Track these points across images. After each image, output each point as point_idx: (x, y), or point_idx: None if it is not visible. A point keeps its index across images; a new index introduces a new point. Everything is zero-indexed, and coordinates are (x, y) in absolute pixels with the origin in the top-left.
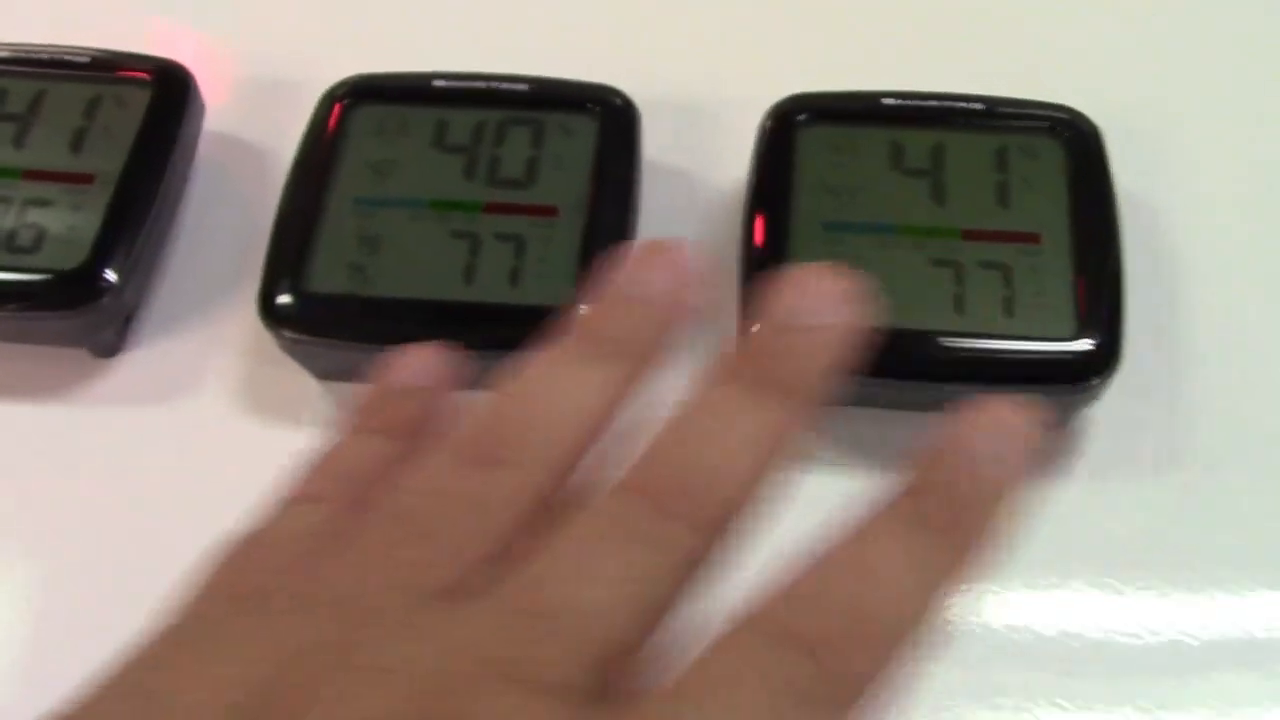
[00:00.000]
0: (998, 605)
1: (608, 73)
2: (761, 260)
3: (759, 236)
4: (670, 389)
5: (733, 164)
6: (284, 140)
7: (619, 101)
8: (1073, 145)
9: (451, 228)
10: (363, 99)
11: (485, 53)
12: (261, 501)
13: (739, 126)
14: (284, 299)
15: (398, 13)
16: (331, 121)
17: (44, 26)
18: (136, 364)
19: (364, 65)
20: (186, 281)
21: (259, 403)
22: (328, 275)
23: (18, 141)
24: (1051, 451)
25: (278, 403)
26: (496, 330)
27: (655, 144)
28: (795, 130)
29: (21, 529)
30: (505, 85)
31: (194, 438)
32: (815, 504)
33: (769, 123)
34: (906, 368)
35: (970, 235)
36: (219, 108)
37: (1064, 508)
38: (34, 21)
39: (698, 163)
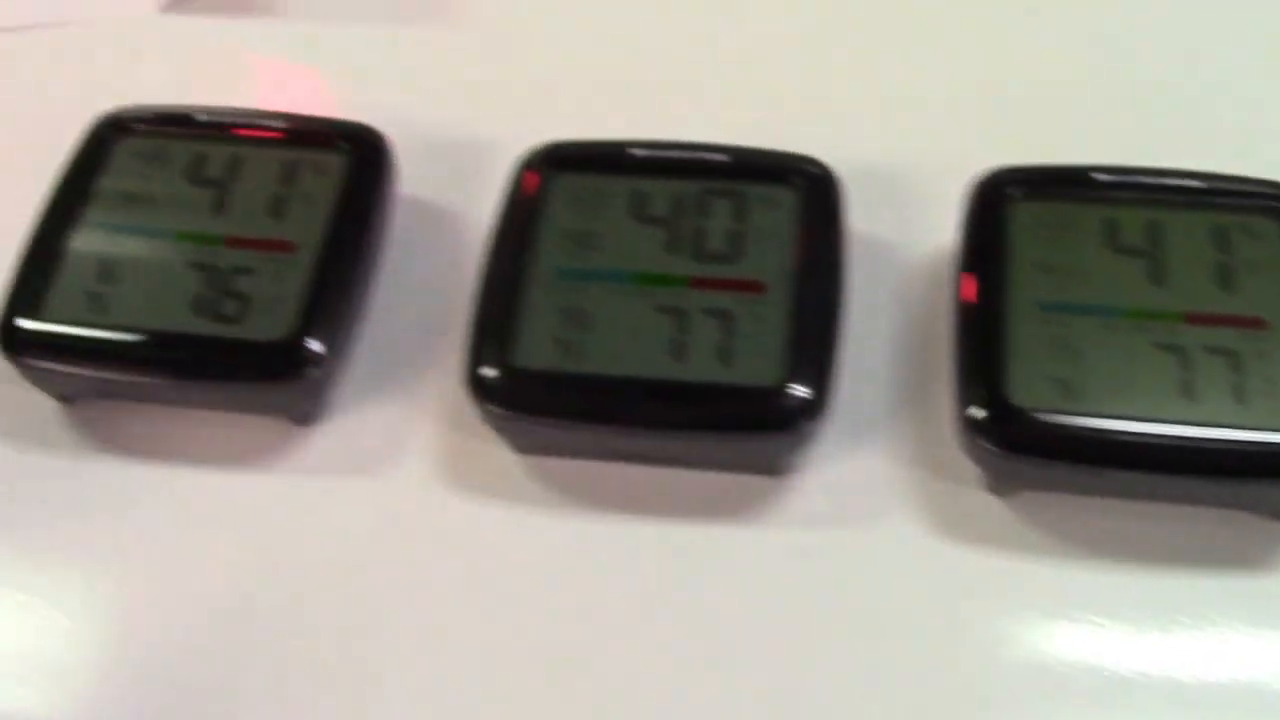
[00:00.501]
0: None
1: (800, 140)
2: (976, 340)
3: (972, 316)
4: None
5: (933, 233)
6: (472, 204)
7: (820, 172)
8: None
9: (658, 303)
10: (559, 167)
11: (674, 118)
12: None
13: (937, 194)
14: (490, 373)
15: (581, 75)
16: (528, 190)
17: (238, 92)
18: (333, 432)
19: (546, 126)
20: (381, 348)
21: (457, 474)
22: (534, 350)
23: (217, 207)
24: None
25: (475, 475)
26: (708, 410)
27: (853, 212)
28: (1005, 204)
29: (225, 599)
30: (704, 155)
31: (392, 508)
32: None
33: (977, 195)
34: (1132, 458)
35: (1194, 319)
36: (407, 172)
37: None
38: (227, 88)
39: (897, 232)
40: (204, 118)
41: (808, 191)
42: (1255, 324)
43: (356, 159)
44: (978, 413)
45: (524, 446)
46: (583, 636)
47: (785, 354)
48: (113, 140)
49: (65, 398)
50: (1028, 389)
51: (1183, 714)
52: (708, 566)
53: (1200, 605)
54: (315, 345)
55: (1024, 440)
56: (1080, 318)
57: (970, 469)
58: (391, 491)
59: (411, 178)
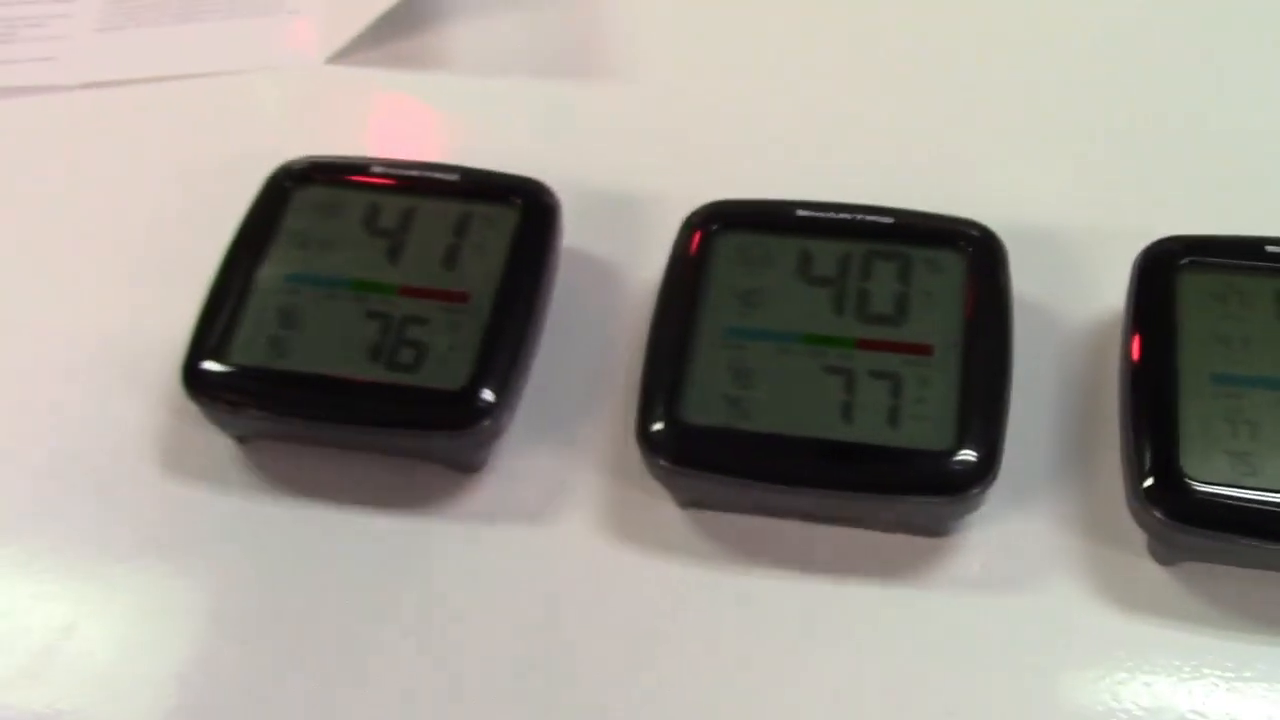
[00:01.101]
0: None
1: (962, 201)
2: (1147, 415)
3: (1144, 390)
4: None
5: (1098, 298)
6: (634, 257)
7: (984, 235)
8: None
9: (825, 363)
10: (725, 226)
11: (839, 178)
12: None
13: (1103, 259)
14: (660, 427)
15: (746, 132)
16: (695, 248)
17: (402, 144)
18: (498, 481)
19: (710, 183)
20: (545, 399)
21: (620, 526)
22: (703, 406)
23: (393, 257)
24: None
25: (638, 527)
26: (877, 472)
27: (1016, 276)
28: (1175, 273)
29: (392, 645)
30: (869, 217)
31: (556, 557)
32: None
33: (1146, 262)
34: None
35: None
36: (572, 225)
37: None
38: (391, 140)
39: (1061, 296)
40: (380, 169)
41: (973, 254)
42: None
43: (527, 212)
44: (1150, 481)
45: (688, 501)
46: (737, 692)
47: (953, 417)
48: (292, 189)
49: (241, 438)
50: (1202, 461)
51: None
52: (869, 625)
53: None
54: (488, 395)
55: (1197, 512)
56: (1253, 390)
57: (1134, 536)
58: (555, 541)
59: (576, 231)
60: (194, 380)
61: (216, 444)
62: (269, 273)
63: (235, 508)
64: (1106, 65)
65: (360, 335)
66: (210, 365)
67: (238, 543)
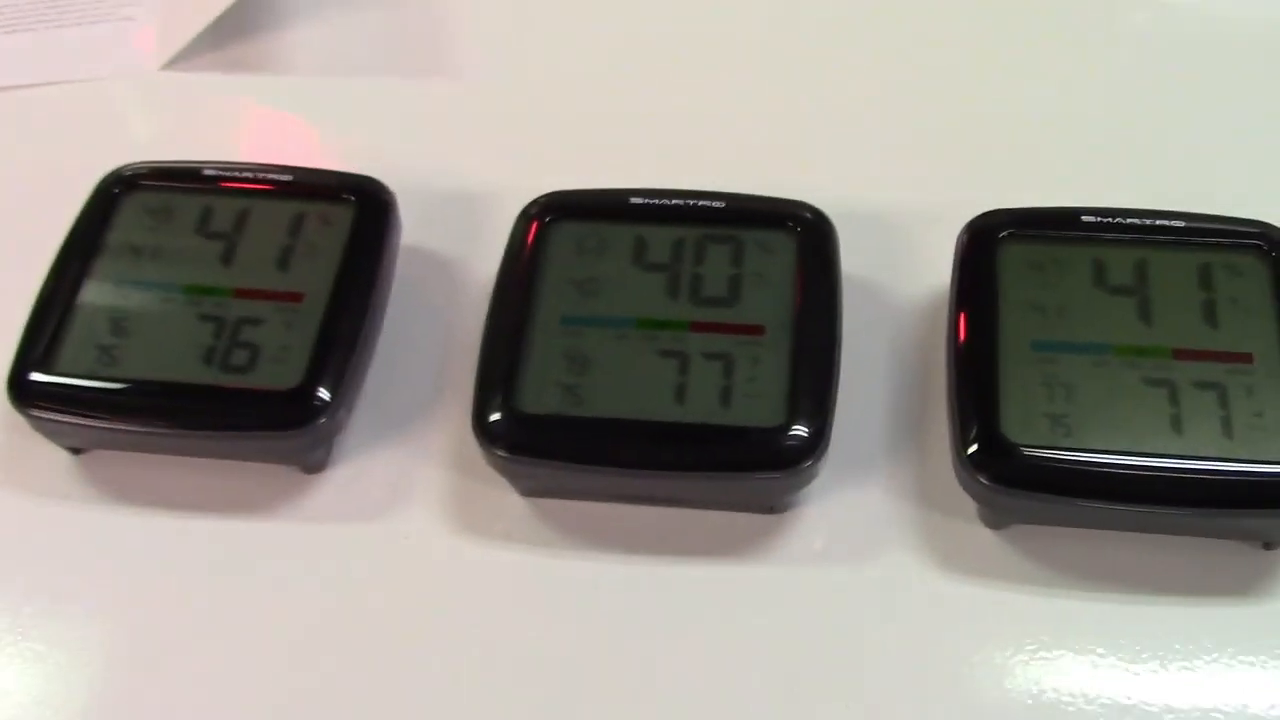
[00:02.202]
0: None
1: (793, 186)
2: (970, 384)
3: (966, 355)
4: None
5: (925, 275)
6: (473, 253)
7: (815, 217)
8: (1277, 262)
9: (659, 347)
10: (560, 216)
11: (672, 167)
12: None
13: (928, 238)
14: (496, 418)
15: (580, 125)
16: (530, 239)
17: (241, 148)
18: (341, 479)
19: (546, 176)
20: (387, 396)
21: (463, 518)
22: (538, 395)
23: (226, 260)
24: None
25: (481, 518)
26: (710, 451)
27: (846, 256)
28: (996, 246)
29: (235, 646)
30: (701, 202)
31: (400, 551)
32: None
33: (968, 237)
34: (1124, 491)
35: (1181, 355)
36: (409, 222)
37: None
38: (230, 144)
39: (890, 275)
40: (211, 172)
41: (803, 236)
42: (1241, 359)
43: (362, 210)
44: (973, 448)
45: (529, 489)
46: (586, 676)
47: (784, 395)
48: (121, 196)
49: (76, 449)
50: (1022, 425)
51: None
52: (710, 604)
53: (1192, 633)
54: (323, 393)
55: (1018, 475)
56: (1071, 355)
57: (964, 503)
58: (398, 536)
59: (413, 228)
60: (20, 392)
61: (50, 457)
62: (98, 281)
63: (71, 520)
64: (929, 53)
65: (193, 339)
66: (37, 376)
67: (75, 556)
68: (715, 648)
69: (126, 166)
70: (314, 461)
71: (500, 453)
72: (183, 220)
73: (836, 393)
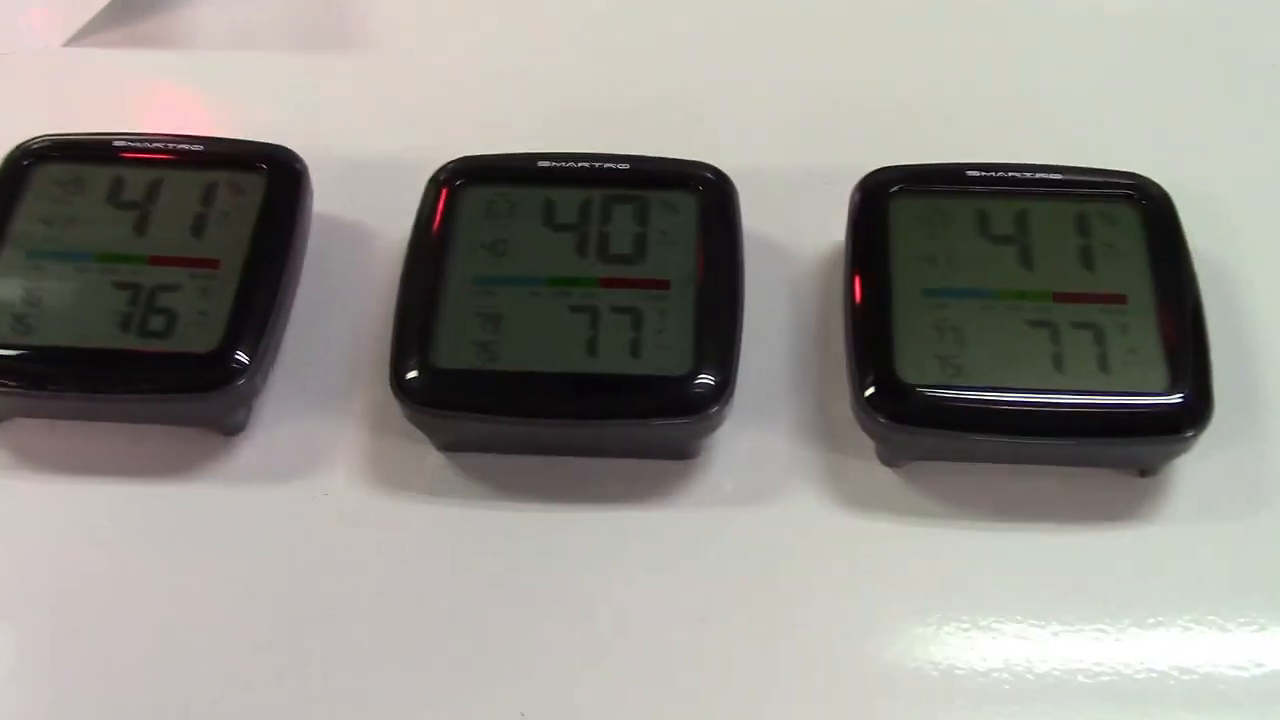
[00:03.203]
0: (1103, 647)
1: (695, 148)
2: (866, 330)
3: (863, 304)
4: None
5: (822, 231)
6: (386, 219)
7: (716, 177)
8: (1148, 210)
9: (570, 303)
10: (470, 181)
11: (576, 131)
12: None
13: (824, 195)
14: (414, 375)
15: (487, 93)
16: (441, 203)
17: (148, 122)
18: (261, 441)
19: (456, 143)
20: (305, 359)
21: (383, 474)
22: (454, 352)
23: (139, 229)
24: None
25: (401, 474)
26: (622, 399)
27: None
28: (887, 201)
29: (163, 611)
30: (606, 165)
31: (320, 510)
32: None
33: (861, 193)
34: (1009, 424)
35: (1061, 298)
36: (322, 191)
37: (1156, 551)
38: (137, 118)
39: (789, 231)
40: (121, 143)
41: (705, 195)
42: (1116, 300)
43: (274, 177)
44: (871, 390)
45: (447, 444)
46: (507, 623)
47: (690, 345)
48: (31, 168)
49: None
50: (916, 367)
51: (1065, 664)
52: (627, 548)
53: (1076, 557)
54: (241, 356)
55: (914, 413)
56: (960, 301)
57: (864, 444)
58: (318, 494)
59: (324, 197)
60: None
61: None
62: (9, 253)
63: None
64: (820, 20)
65: (109, 306)
66: None
67: None
68: (633, 590)
69: (35, 139)
70: (233, 424)
71: (419, 407)
72: (94, 191)
73: (740, 343)
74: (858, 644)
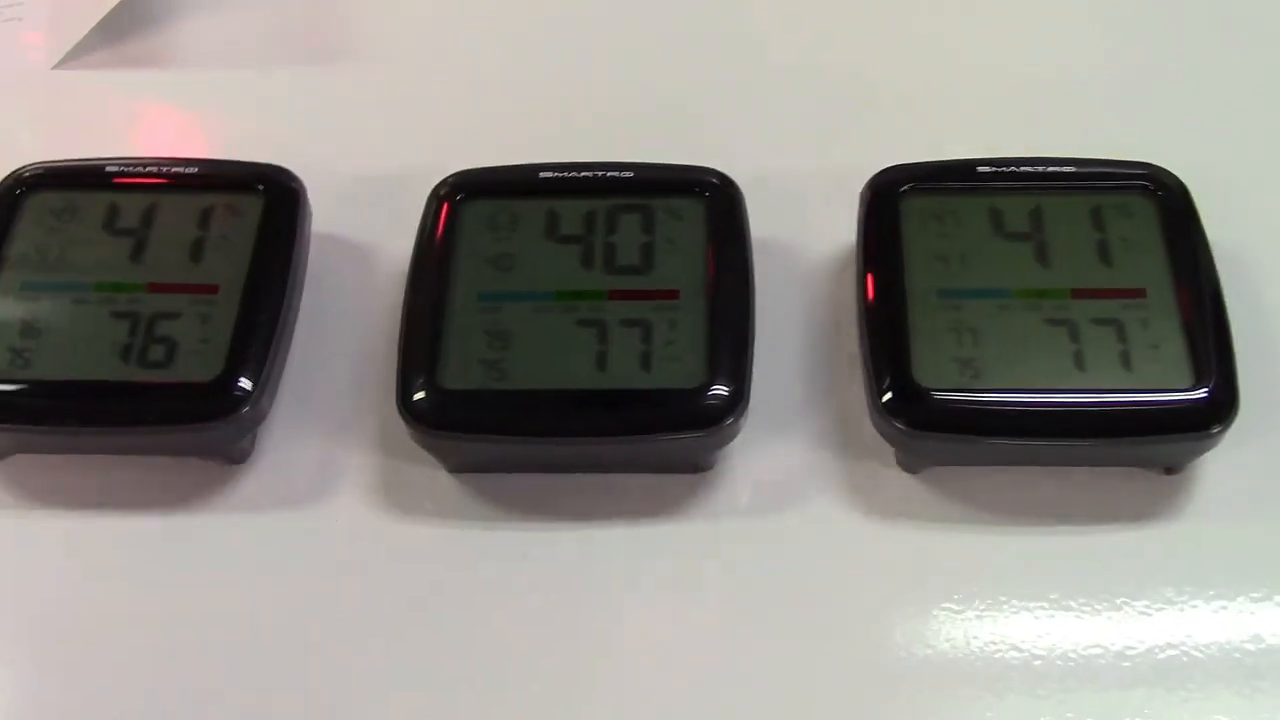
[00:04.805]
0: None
1: (699, 153)
2: (882, 334)
3: (876, 307)
4: None
5: (832, 233)
6: (386, 237)
7: (722, 182)
8: (1164, 201)
9: (578, 317)
10: (471, 194)
11: (578, 140)
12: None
13: (833, 196)
14: (421, 396)
15: (485, 105)
16: (442, 218)
17: (141, 144)
18: (267, 468)
19: (454, 157)
20: (309, 383)
21: (392, 498)
22: (462, 371)
23: (136, 256)
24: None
25: (410, 497)
26: (633, 414)
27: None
28: (898, 200)
29: (173, 643)
30: (610, 173)
31: (331, 535)
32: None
33: (871, 193)
34: (1030, 427)
35: (1079, 294)
36: (321, 210)
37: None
38: (129, 141)
39: (798, 234)
40: (114, 169)
41: (712, 201)
42: (1135, 294)
43: (271, 199)
44: (888, 396)
45: (457, 465)
46: (525, 647)
47: (703, 356)
48: (23, 197)
49: None
50: (933, 370)
51: (1097, 667)
52: (643, 565)
53: (1105, 558)
54: (244, 383)
55: (932, 418)
56: (975, 301)
57: (882, 450)
58: (328, 519)
59: (322, 216)
60: None
61: None
62: (4, 284)
63: None
64: (823, 22)
65: (108, 337)
66: None
67: (3, 563)
68: (652, 607)
69: (27, 167)
70: (238, 452)
71: (427, 430)
72: (89, 219)
73: (753, 351)
74: (885, 654)
